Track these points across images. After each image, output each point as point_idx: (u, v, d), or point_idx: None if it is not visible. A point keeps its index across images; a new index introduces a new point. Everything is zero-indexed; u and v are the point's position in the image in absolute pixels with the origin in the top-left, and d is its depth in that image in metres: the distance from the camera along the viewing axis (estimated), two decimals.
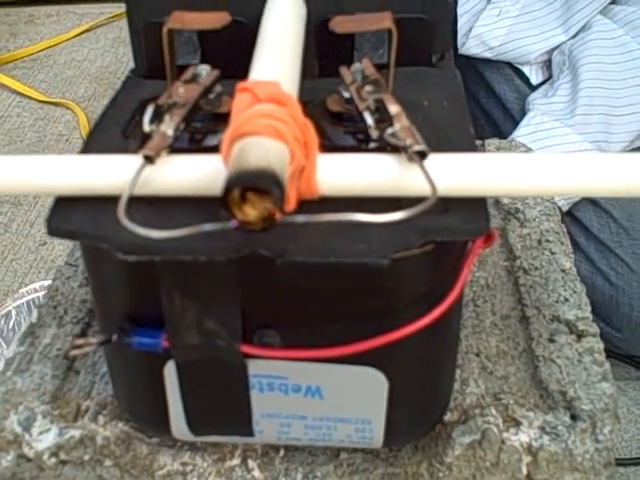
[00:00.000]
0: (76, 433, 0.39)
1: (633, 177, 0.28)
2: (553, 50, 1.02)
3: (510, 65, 1.06)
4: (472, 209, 0.29)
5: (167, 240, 0.26)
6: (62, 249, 1.16)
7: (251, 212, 0.25)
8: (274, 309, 0.30)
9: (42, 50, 1.72)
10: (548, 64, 1.04)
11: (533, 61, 1.03)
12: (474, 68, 1.10)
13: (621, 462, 0.88)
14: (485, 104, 1.10)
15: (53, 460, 0.39)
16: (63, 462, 0.39)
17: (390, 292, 0.29)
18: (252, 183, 0.24)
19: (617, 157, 0.29)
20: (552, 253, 0.48)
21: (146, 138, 0.29)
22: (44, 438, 0.39)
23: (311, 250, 0.28)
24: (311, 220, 0.26)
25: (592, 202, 0.92)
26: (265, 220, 0.25)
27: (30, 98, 1.54)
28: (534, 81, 1.04)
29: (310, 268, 0.28)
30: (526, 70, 1.05)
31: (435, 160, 0.28)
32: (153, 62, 0.37)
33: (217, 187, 0.25)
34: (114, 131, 0.34)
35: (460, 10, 1.09)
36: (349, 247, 0.28)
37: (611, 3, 1.00)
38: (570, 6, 1.00)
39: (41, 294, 0.99)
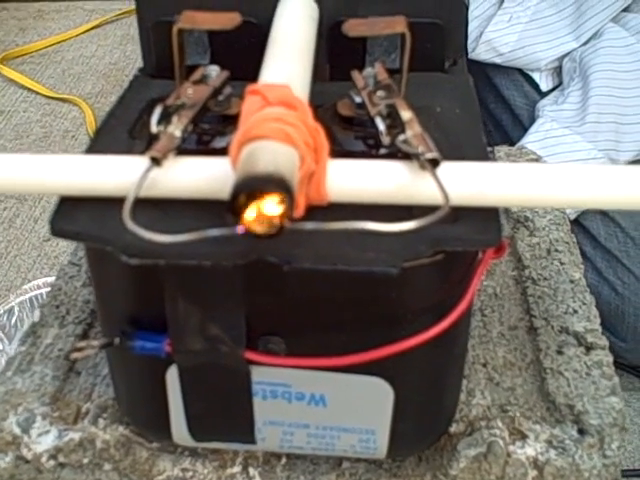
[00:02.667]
0: (76, 436, 0.38)
1: None
2: (564, 57, 1.01)
3: (520, 71, 1.05)
4: (484, 219, 0.28)
5: (172, 244, 0.25)
6: (66, 245, 1.16)
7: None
8: (279, 316, 0.30)
9: (50, 46, 1.72)
10: (558, 71, 1.03)
11: (543, 68, 1.03)
12: (483, 73, 1.09)
13: (624, 474, 0.87)
14: (494, 109, 1.10)
15: (52, 463, 0.38)
16: (62, 465, 0.38)
17: (398, 302, 0.29)
18: (260, 188, 0.23)
19: (632, 170, 0.28)
20: (561, 263, 0.47)
21: (153, 139, 0.29)
22: (43, 440, 0.38)
23: (319, 257, 0.27)
24: (320, 228, 0.25)
25: (600, 211, 0.92)
26: (273, 226, 0.24)
27: (37, 93, 1.54)
28: (544, 88, 1.03)
29: (317, 275, 0.28)
30: (536, 76, 1.04)
31: (447, 168, 0.27)
32: (162, 61, 0.37)
33: (225, 190, 0.24)
34: (121, 131, 0.34)
35: (471, 15, 1.09)
36: (358, 255, 0.27)
37: (623, 11, 0.99)
38: (581, 13, 0.99)
39: (44, 290, 0.98)
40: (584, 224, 0.93)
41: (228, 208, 0.24)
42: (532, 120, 0.98)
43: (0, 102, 1.52)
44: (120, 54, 1.69)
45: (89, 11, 1.86)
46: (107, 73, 1.62)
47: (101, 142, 0.33)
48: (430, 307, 0.30)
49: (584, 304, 0.44)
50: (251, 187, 0.23)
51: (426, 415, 0.35)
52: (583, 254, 0.92)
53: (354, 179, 0.28)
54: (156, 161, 0.27)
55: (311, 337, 0.30)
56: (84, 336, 0.43)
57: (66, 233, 0.29)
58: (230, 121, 0.32)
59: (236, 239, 0.25)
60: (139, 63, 0.40)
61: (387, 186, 0.28)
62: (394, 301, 0.29)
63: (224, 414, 0.34)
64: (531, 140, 0.93)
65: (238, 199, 0.24)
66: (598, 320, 0.43)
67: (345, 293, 0.29)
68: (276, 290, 0.29)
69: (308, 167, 0.26)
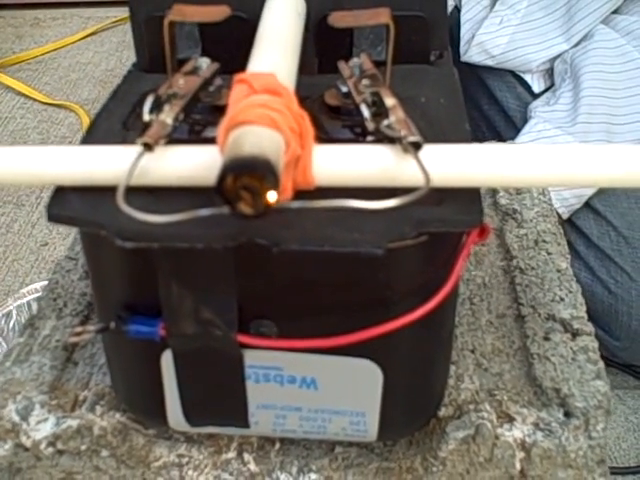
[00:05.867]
0: (73, 423, 0.39)
1: (631, 167, 0.28)
2: (555, 58, 1.02)
3: (512, 73, 1.06)
4: (466, 201, 0.29)
5: (165, 226, 0.26)
6: (63, 250, 1.17)
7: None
8: (270, 299, 0.31)
9: (47, 53, 1.73)
10: (550, 72, 1.04)
11: (535, 69, 1.04)
12: (476, 75, 1.10)
13: (619, 471, 0.87)
14: (487, 111, 1.11)
15: (50, 450, 0.39)
16: (60, 452, 0.39)
17: (384, 283, 0.30)
18: (245, 169, 0.24)
19: (615, 148, 0.29)
20: (548, 253, 0.48)
21: (146, 129, 0.30)
22: (42, 427, 0.39)
23: (306, 239, 0.28)
24: (306, 206, 0.26)
25: (592, 210, 0.92)
26: (259, 206, 0.25)
27: (34, 100, 1.55)
28: (536, 89, 1.04)
29: (305, 257, 0.29)
30: (528, 78, 1.05)
31: (430, 151, 0.28)
32: (154, 56, 0.38)
33: (215, 177, 0.25)
34: (115, 123, 0.34)
35: (462, 18, 1.10)
36: (344, 236, 0.28)
37: (613, 12, 1.00)
38: (572, 15, 1.00)
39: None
40: (577, 223, 0.94)
41: (216, 190, 0.25)
42: (525, 121, 0.99)
43: None
44: (116, 61, 1.71)
45: (85, 18, 1.87)
46: (103, 79, 1.63)
47: (96, 133, 0.34)
48: (416, 289, 0.31)
49: (570, 292, 0.45)
50: (237, 168, 0.24)
51: (415, 398, 0.36)
52: (576, 253, 0.94)
53: (339, 163, 0.29)
54: (148, 147, 0.28)
55: (301, 319, 0.31)
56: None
57: (61, 218, 0.30)
58: (220, 112, 0.33)
59: (226, 222, 0.26)
60: None
61: (372, 169, 0.29)
62: (380, 282, 0.30)
63: (218, 398, 0.35)
64: (524, 141, 0.94)
65: (225, 180, 0.25)
66: (584, 308, 0.44)
67: (333, 275, 0.29)
68: (266, 273, 0.30)
69: (294, 151, 0.27)
